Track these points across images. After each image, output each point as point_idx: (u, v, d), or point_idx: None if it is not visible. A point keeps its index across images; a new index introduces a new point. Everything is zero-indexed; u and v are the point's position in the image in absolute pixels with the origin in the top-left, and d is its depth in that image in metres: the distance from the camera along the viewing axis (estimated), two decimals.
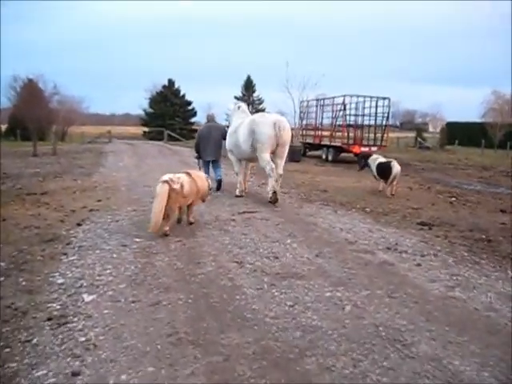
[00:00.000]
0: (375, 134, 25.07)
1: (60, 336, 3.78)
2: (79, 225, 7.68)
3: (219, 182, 11.78)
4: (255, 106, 61.69)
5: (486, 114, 50.73)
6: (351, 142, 24.05)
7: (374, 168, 12.55)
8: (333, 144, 25.06)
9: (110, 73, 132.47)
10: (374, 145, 24.64)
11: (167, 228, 6.93)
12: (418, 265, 5.90)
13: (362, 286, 5.02)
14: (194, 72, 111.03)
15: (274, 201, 9.82)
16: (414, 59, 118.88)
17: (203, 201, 8.08)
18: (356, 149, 23.94)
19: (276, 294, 4.76)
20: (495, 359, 3.57)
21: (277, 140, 9.81)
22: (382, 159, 12.68)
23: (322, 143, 26.01)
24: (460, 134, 47.04)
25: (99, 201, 9.88)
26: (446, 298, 4.83)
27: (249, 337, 3.81)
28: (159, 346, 3.64)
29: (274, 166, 9.84)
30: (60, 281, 5.01)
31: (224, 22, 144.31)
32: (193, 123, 58.56)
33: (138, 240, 6.62)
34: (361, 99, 24.77)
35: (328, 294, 4.78)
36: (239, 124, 10.75)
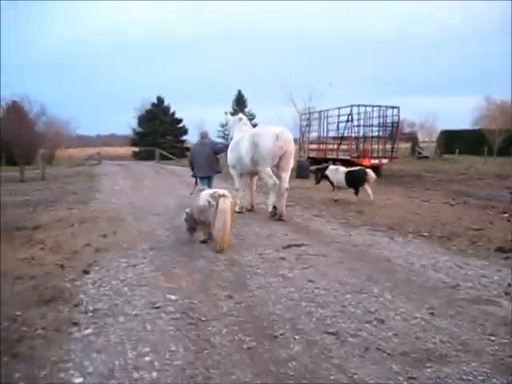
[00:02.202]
0: (385, 145, 23.57)
1: None
2: (86, 272, 6.01)
3: None
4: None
5: (479, 120, 50.25)
6: (360, 154, 22.53)
7: (338, 178, 12.41)
8: (340, 157, 23.52)
9: (94, 93, 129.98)
10: (385, 157, 23.17)
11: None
12: None
13: None
14: (184, 90, 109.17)
15: (274, 215, 9.62)
16: (397, 68, 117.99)
17: None
18: (366, 162, 22.47)
19: None
20: None
21: (280, 152, 9.41)
22: (343, 168, 12.72)
23: (328, 157, 24.43)
24: (457, 142, 45.89)
25: (104, 236, 8.20)
26: None
27: None
28: None
29: (276, 180, 9.52)
30: (78, 381, 3.29)
31: (212, 37, 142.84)
32: (184, 141, 56.89)
33: (172, 297, 4.94)
34: (369, 109, 23.30)
35: None
36: (241, 137, 10.26)
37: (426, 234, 8.35)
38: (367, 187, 12.25)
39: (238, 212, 10.49)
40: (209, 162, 11.27)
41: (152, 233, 8.42)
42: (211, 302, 4.74)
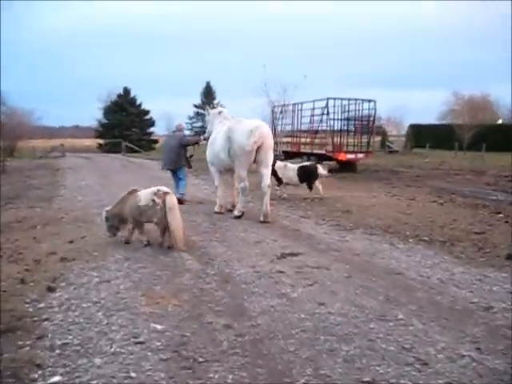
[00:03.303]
0: (361, 139, 22.98)
1: None
2: (51, 290, 5.08)
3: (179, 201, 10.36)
4: None
5: (446, 115, 50.66)
6: (336, 148, 21.89)
7: (290, 175, 12.15)
8: (315, 152, 22.84)
9: (57, 84, 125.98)
10: (360, 151, 22.61)
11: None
12: None
13: None
14: (151, 81, 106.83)
15: (238, 217, 9.15)
16: (363, 63, 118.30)
17: None
18: (341, 156, 21.92)
19: None
20: None
21: (255, 148, 8.78)
22: (291, 164, 12.62)
23: (302, 151, 23.69)
24: (426, 136, 45.96)
25: (71, 242, 7.25)
26: None
27: None
28: None
29: (247, 184, 9.06)
30: None
31: (177, 31, 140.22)
32: (151, 133, 55.38)
33: (157, 327, 4.05)
34: (345, 102, 22.65)
35: None
36: (219, 132, 9.69)
37: (426, 238, 7.72)
38: (318, 183, 12.15)
39: (218, 212, 9.71)
40: (174, 154, 11.25)
41: None
42: (207, 335, 3.89)
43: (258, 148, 8.87)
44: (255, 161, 9.09)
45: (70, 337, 3.88)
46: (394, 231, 8.20)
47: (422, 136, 46.50)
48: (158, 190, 6.63)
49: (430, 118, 76.01)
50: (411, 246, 7.21)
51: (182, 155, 11.48)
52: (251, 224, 8.64)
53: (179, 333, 3.90)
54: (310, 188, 12.13)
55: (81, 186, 15.36)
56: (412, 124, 53.56)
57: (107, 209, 7.09)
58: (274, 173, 11.86)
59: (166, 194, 6.54)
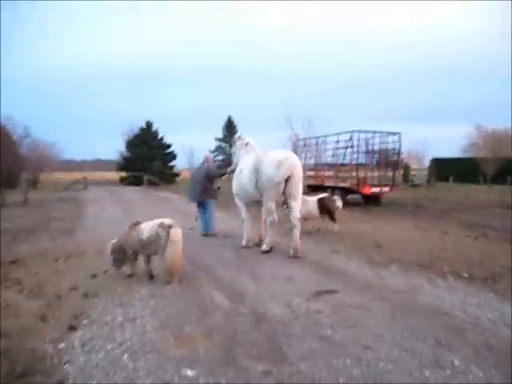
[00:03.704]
0: (386, 172, 22.57)
1: None
2: (73, 328, 4.74)
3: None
4: None
5: (468, 149, 50.18)
6: (360, 181, 21.49)
7: (310, 207, 11.54)
8: (339, 185, 22.47)
9: (80, 118, 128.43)
10: (386, 184, 22.17)
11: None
12: None
13: None
14: (173, 116, 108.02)
15: (264, 251, 8.84)
16: (385, 98, 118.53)
17: None
18: (366, 189, 21.51)
19: None
20: None
21: (286, 179, 8.48)
22: (311, 197, 11.98)
23: (326, 184, 23.31)
24: (449, 169, 45.33)
25: (94, 276, 6.95)
26: None
27: None
28: None
29: (276, 217, 8.79)
30: None
31: (200, 66, 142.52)
32: (173, 167, 55.52)
33: (189, 373, 3.68)
34: (369, 135, 22.35)
35: None
36: (246, 163, 9.44)
37: (465, 275, 7.26)
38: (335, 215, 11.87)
39: (245, 247, 9.34)
40: (201, 186, 10.98)
41: None
42: (243, 382, 3.49)
43: (287, 180, 8.54)
44: (284, 193, 8.73)
45: (93, 382, 3.52)
46: (430, 267, 7.77)
47: (445, 170, 45.90)
48: (162, 223, 6.43)
49: (451, 151, 75.23)
50: (451, 283, 6.76)
51: (210, 187, 11.22)
52: (280, 259, 8.27)
53: (214, 380, 3.52)
54: (334, 220, 11.82)
55: (103, 217, 15.16)
56: (434, 158, 53.03)
57: (113, 242, 6.89)
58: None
59: (170, 226, 6.35)
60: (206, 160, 11.99)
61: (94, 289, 6.22)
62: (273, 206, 8.75)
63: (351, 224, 13.54)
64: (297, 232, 8.58)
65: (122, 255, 6.80)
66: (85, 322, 4.98)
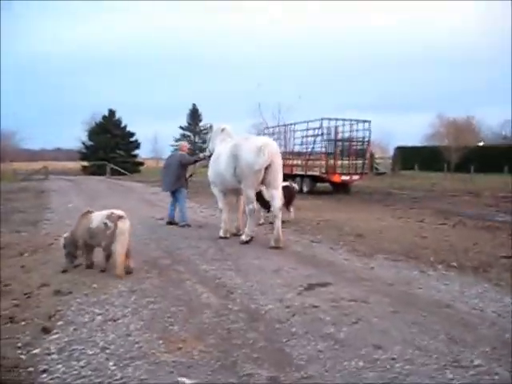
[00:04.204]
0: (356, 160, 22.48)
1: None
2: (47, 331, 4.24)
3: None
4: (202, 136, 58.72)
5: (430, 138, 51.17)
6: (330, 170, 21.33)
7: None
8: (308, 173, 22.27)
9: (40, 106, 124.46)
10: (355, 173, 22.09)
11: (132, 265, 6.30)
12: None
13: None
14: (136, 104, 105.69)
15: (243, 241, 8.50)
16: (348, 88, 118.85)
17: None
18: (336, 177, 21.39)
19: None
20: None
21: (264, 166, 8.11)
22: None
23: (295, 173, 23.03)
24: (413, 158, 45.97)
25: (64, 271, 6.41)
26: None
27: None
28: None
29: (255, 206, 8.57)
30: None
31: (163, 53, 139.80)
32: (136, 155, 54.43)
33: (186, 382, 3.25)
34: (339, 123, 22.17)
35: None
36: (223, 150, 9.01)
37: (454, 264, 7.07)
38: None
39: (223, 237, 8.93)
40: (174, 175, 10.66)
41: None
42: None
43: (267, 167, 8.18)
44: (263, 181, 8.40)
45: None
46: (416, 257, 7.58)
47: (409, 158, 46.48)
48: (112, 213, 6.23)
49: (414, 140, 76.36)
50: (443, 273, 6.56)
51: (182, 176, 10.80)
52: (262, 250, 7.91)
53: None
54: (288, 209, 11.34)
55: (68, 208, 14.47)
56: (398, 146, 53.61)
57: (65, 235, 6.62)
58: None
59: (119, 217, 6.14)
60: (181, 148, 11.57)
61: (67, 285, 5.72)
62: (252, 194, 8.40)
63: (324, 213, 13.33)
64: (278, 222, 8.24)
65: (74, 248, 6.54)
66: (59, 323, 4.50)
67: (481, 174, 34.48)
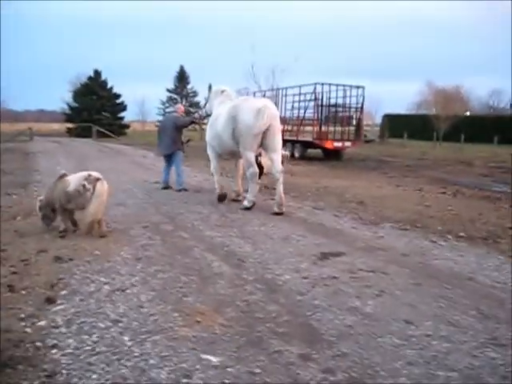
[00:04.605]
0: (349, 127, 22.20)
1: None
2: (51, 301, 3.95)
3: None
4: (189, 99, 57.73)
5: (419, 106, 50.88)
6: (323, 136, 21.06)
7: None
8: (300, 139, 21.97)
9: (22, 65, 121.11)
10: (348, 139, 21.86)
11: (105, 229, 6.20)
12: None
13: None
14: (122, 65, 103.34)
15: (245, 207, 8.22)
16: (336, 54, 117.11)
17: None
18: (329, 144, 21.14)
19: None
20: None
21: (263, 129, 7.89)
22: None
23: (286, 138, 22.66)
24: (401, 126, 45.74)
25: (62, 236, 6.13)
26: None
27: None
28: None
29: (256, 169, 8.27)
30: None
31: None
32: (122, 118, 53.38)
33: (212, 359, 3.02)
34: (333, 88, 21.75)
35: None
36: (221, 111, 8.73)
37: (463, 234, 6.89)
38: None
39: (220, 195, 8.96)
40: (169, 138, 10.37)
41: (125, 232, 6.44)
42: (284, 372, 2.87)
43: (266, 130, 7.95)
44: (262, 145, 8.19)
45: (95, 376, 2.81)
46: (423, 226, 7.40)
47: (397, 126, 46.26)
48: (90, 175, 6.12)
49: (401, 108, 76.02)
50: (454, 243, 6.37)
51: (178, 139, 10.44)
52: (265, 216, 7.67)
53: (245, 369, 2.88)
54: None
55: (57, 171, 13.99)
56: (387, 114, 53.27)
57: (40, 198, 6.50)
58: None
59: (97, 179, 6.06)
60: (176, 110, 11.18)
61: (66, 251, 5.44)
62: (252, 156, 8.17)
63: (321, 179, 13.15)
64: (280, 186, 7.99)
65: (50, 211, 6.39)
66: (63, 292, 4.23)
67: (469, 144, 34.46)
